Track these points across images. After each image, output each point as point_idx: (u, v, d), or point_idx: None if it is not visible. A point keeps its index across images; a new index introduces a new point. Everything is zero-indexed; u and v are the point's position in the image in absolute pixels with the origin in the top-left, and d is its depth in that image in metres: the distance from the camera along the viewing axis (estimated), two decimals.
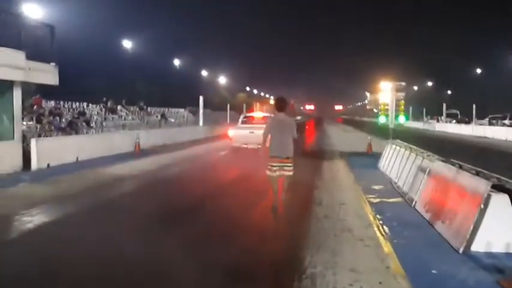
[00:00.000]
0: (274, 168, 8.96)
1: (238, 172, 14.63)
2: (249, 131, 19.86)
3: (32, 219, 8.33)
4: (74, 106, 32.04)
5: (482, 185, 6.51)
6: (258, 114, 25.89)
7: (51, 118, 24.92)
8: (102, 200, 10.29)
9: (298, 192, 10.93)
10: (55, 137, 17.86)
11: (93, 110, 33.19)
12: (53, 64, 16.05)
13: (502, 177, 7.12)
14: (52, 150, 15.90)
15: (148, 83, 53.91)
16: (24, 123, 19.96)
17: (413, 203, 9.41)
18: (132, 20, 57.05)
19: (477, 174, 7.48)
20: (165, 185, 12.49)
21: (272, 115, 13.37)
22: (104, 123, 29.60)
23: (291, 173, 9.03)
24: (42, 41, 16.23)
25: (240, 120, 23.29)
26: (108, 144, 20.00)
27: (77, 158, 17.12)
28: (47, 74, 15.71)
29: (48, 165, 15.36)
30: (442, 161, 9.35)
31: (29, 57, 14.80)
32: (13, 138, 14.57)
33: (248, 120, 22.86)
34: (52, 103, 28.96)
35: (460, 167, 8.28)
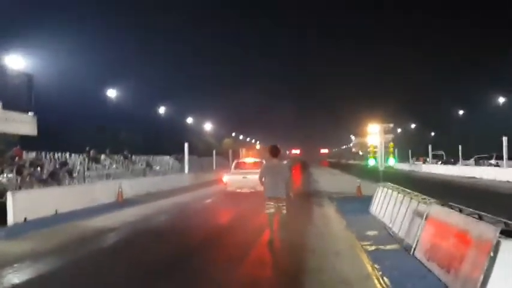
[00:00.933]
0: (271, 206, 10.44)
1: (222, 222, 14.10)
2: (242, 176, 21.09)
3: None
4: (56, 156, 31.26)
5: (490, 231, 6.00)
6: (249, 160, 26.58)
7: (31, 170, 24.15)
8: (76, 258, 9.60)
9: (289, 242, 10.40)
10: (32, 189, 17.07)
11: (76, 160, 32.42)
12: (31, 114, 15.54)
13: (509, 221, 6.62)
14: (29, 204, 15.16)
15: (133, 132, 53.42)
16: (5, 175, 19.28)
17: (412, 250, 8.84)
18: (116, 69, 56.84)
19: (480, 218, 6.98)
20: (144, 239, 11.85)
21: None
22: (88, 173, 28.79)
23: (284, 211, 10.50)
24: (20, 91, 15.76)
25: (232, 166, 24.52)
26: (89, 195, 19.29)
27: (56, 211, 16.37)
28: (25, 124, 15.22)
29: (25, 219, 14.59)
30: (439, 204, 8.85)
31: (6, 107, 14.29)
32: None
33: (240, 165, 24.06)
34: (34, 154, 28.20)
35: (460, 210, 7.78)
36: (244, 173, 21.55)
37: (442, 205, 8.64)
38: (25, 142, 24.61)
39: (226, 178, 22.20)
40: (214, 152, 46.37)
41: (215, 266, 8.46)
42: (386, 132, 19.08)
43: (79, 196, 18.50)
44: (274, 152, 11.25)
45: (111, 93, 49.83)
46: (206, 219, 14.96)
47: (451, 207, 8.18)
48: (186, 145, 35.32)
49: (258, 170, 19.41)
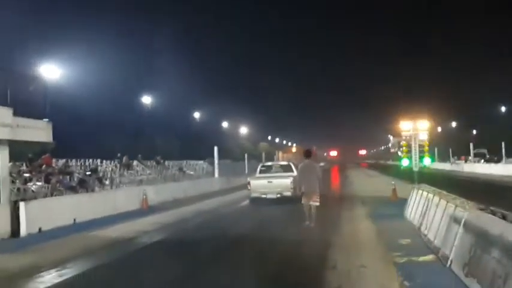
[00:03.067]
0: (306, 199, 13.24)
1: (244, 232, 13.03)
2: (267, 181, 19.77)
3: None
4: (86, 163, 31.05)
5: None
6: (276, 163, 25.24)
7: (60, 177, 23.84)
8: (73, 275, 8.84)
9: (309, 253, 9.39)
10: (49, 198, 16.52)
11: (107, 167, 32.14)
12: (45, 120, 14.94)
13: None
14: (45, 213, 14.61)
15: (167, 137, 53.19)
16: (34, 183, 18.91)
17: (449, 262, 7.67)
18: (151, 75, 56.72)
19: None
20: (153, 253, 11.06)
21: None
22: (119, 180, 28.38)
23: (317, 203, 13.18)
24: (35, 98, 15.22)
25: (258, 169, 22.69)
26: (112, 202, 18.71)
27: (74, 220, 15.79)
28: (39, 131, 14.58)
29: (39, 229, 14.02)
30: (478, 209, 7.64)
31: (19, 114, 13.74)
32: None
33: (266, 169, 22.36)
34: (63, 161, 28.00)
35: (504, 217, 6.59)
36: (269, 177, 20.27)
37: (482, 210, 7.44)
38: (56, 150, 24.40)
39: (250, 182, 20.27)
40: (246, 155, 45.50)
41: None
42: (420, 129, 17.75)
43: (99, 204, 17.90)
44: (308, 154, 14.43)
45: (146, 99, 49.90)
46: (226, 229, 13.94)
47: (493, 213, 6.99)
48: (215, 149, 34.64)
49: (286, 174, 20.17)
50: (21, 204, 13.75)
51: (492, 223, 6.41)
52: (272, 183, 19.41)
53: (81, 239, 12.63)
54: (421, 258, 8.55)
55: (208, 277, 8.21)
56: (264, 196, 19.32)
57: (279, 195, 18.89)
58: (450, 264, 7.57)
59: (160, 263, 9.53)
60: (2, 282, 8.27)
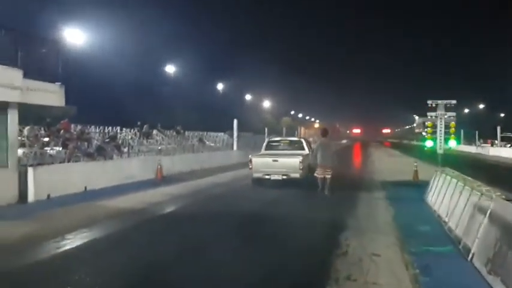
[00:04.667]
0: (320, 171, 15.05)
1: (255, 208, 12.52)
2: (271, 159, 16.98)
3: None
4: (106, 131, 30.86)
5: None
6: (285, 139, 21.61)
7: (78, 143, 23.64)
8: (79, 245, 8.53)
9: (319, 235, 8.88)
10: (59, 164, 16.17)
11: (127, 135, 31.92)
12: (58, 84, 14.53)
13: None
14: (55, 179, 14.29)
15: (189, 107, 52.84)
16: (53, 148, 18.86)
17: (470, 255, 7.06)
18: (175, 44, 56.08)
19: None
20: (159, 226, 10.60)
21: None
22: (138, 148, 28.14)
23: (329, 176, 14.95)
24: (48, 60, 14.80)
25: (264, 145, 19.87)
26: (125, 171, 18.36)
27: (85, 188, 15.51)
28: (50, 95, 14.18)
29: (48, 196, 13.75)
30: (506, 199, 6.96)
31: (30, 76, 13.36)
32: (7, 166, 13.03)
33: (274, 145, 19.55)
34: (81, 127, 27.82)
35: None
36: (275, 155, 17.42)
37: (510, 201, 6.76)
38: (76, 116, 24.21)
39: (252, 160, 17.32)
40: (266, 129, 44.89)
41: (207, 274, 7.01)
42: (447, 109, 16.84)
43: (113, 172, 17.62)
44: (324, 133, 16.42)
45: (170, 69, 49.49)
46: (237, 204, 13.44)
47: None
48: (235, 121, 34.14)
49: (296, 152, 17.84)
50: (30, 170, 13.46)
51: None
52: (278, 163, 16.70)
53: (87, 208, 12.29)
54: (440, 249, 7.93)
55: (208, 255, 7.75)
56: (267, 177, 16.73)
57: (285, 177, 16.39)
58: (472, 258, 6.98)
59: (161, 239, 9.16)
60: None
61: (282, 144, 19.65)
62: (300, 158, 16.46)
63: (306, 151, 18.09)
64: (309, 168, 16.50)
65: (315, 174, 15.30)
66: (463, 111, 70.45)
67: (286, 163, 16.59)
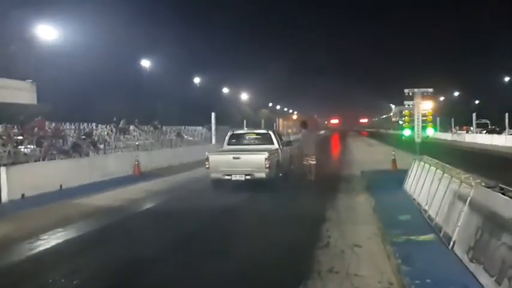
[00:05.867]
0: (307, 159, 16.48)
1: (234, 202, 12.49)
2: (232, 156, 14.53)
3: None
4: (81, 127, 30.35)
5: None
6: (250, 131, 18.10)
7: (53, 141, 23.19)
8: (53, 245, 8.35)
9: (300, 228, 8.78)
10: (34, 163, 15.84)
11: (103, 131, 31.46)
12: (28, 81, 14.19)
13: None
14: (29, 178, 13.99)
15: (167, 102, 52.38)
16: (26, 146, 18.37)
17: (451, 243, 7.03)
18: (150, 38, 55.34)
19: None
20: (137, 223, 10.51)
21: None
22: (114, 144, 27.74)
23: (314, 162, 16.46)
24: (18, 58, 14.45)
25: (226, 140, 17.12)
26: (101, 168, 18.05)
27: (61, 186, 15.20)
28: (21, 92, 13.93)
29: (22, 195, 13.43)
30: (487, 186, 6.93)
31: (1, 74, 13.01)
32: None
33: (238, 140, 16.87)
34: (56, 125, 27.30)
35: None
36: (237, 151, 15.17)
37: (490, 188, 6.73)
38: (51, 113, 23.72)
39: (209, 158, 14.77)
40: (244, 122, 44.77)
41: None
42: (424, 98, 16.86)
43: (89, 169, 17.30)
44: (304, 125, 17.92)
45: (145, 63, 48.95)
46: (216, 198, 13.34)
47: (503, 192, 6.29)
48: (213, 115, 33.90)
49: (262, 147, 15.58)
50: (2, 169, 13.15)
51: (504, 204, 5.71)
52: (240, 160, 14.26)
53: (63, 207, 12.05)
54: (421, 238, 7.89)
55: (187, 253, 7.62)
56: (227, 177, 14.36)
57: (248, 177, 14.09)
58: (453, 246, 6.95)
59: (138, 237, 9.01)
60: None
61: (247, 137, 16.95)
62: (266, 154, 14.09)
63: (275, 145, 15.98)
64: (278, 166, 15.11)
65: (303, 162, 16.54)
66: (438, 99, 71.17)
67: (250, 160, 14.30)
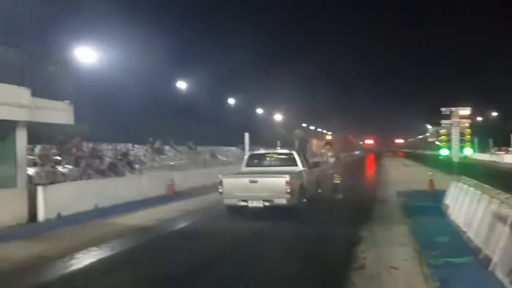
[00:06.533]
0: (335, 178, 16.82)
1: (266, 223, 12.14)
2: (249, 179, 12.87)
3: None
4: (118, 148, 30.91)
5: None
6: (272, 152, 16.03)
7: (90, 161, 23.68)
8: (86, 265, 8.39)
9: (335, 249, 8.61)
10: (69, 182, 16.12)
11: (139, 151, 31.96)
12: (66, 102, 14.48)
13: None
14: (65, 198, 14.18)
15: (200, 123, 52.95)
16: (64, 166, 19.06)
17: (492, 265, 6.76)
18: (186, 60, 56.23)
19: None
20: (171, 242, 10.58)
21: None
22: (150, 164, 28.13)
23: (339, 181, 16.82)
24: (56, 79, 14.77)
25: (244, 161, 15.76)
26: (136, 188, 18.24)
27: (96, 205, 15.37)
28: (59, 113, 14.13)
29: (58, 215, 13.62)
30: None
31: (39, 95, 13.32)
32: (16, 185, 12.94)
33: (258, 161, 15.28)
34: (95, 145, 27.90)
35: None
36: (255, 174, 13.48)
37: None
38: (88, 133, 24.26)
39: (221, 182, 13.29)
40: (278, 142, 44.69)
41: None
42: (462, 117, 16.48)
43: (124, 189, 17.47)
44: (330, 144, 19.15)
45: (181, 85, 49.74)
46: (248, 218, 12.97)
47: None
48: (246, 135, 33.86)
49: (284, 169, 13.88)
50: (39, 189, 13.37)
51: None
52: (257, 184, 12.60)
53: (97, 226, 12.15)
54: (460, 260, 7.64)
55: (218, 273, 7.57)
56: (243, 204, 12.74)
57: (267, 203, 12.42)
58: (494, 268, 6.67)
59: (170, 256, 9.00)
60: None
61: (267, 159, 15.28)
62: (287, 177, 12.34)
63: (299, 167, 14.41)
64: (302, 191, 13.33)
65: (333, 181, 17.01)
66: (476, 119, 69.70)
67: (269, 184, 12.66)
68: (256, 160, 15.30)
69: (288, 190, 12.17)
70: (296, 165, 14.49)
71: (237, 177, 13.88)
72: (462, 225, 9.84)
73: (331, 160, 17.80)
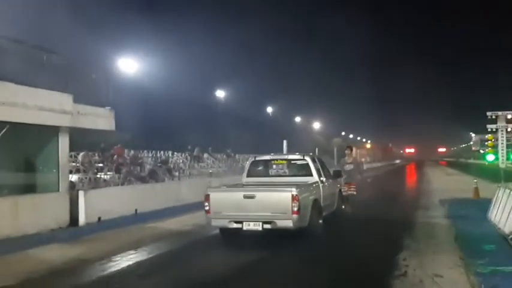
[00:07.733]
0: (345, 188, 14.18)
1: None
2: (243, 194, 9.95)
3: None
4: (158, 155, 31.33)
5: None
6: (280, 158, 12.52)
7: (131, 168, 24.04)
8: (124, 267, 8.45)
9: (377, 256, 8.33)
10: (110, 187, 16.39)
11: (178, 159, 32.33)
12: (107, 108, 14.71)
13: None
14: (105, 203, 14.33)
15: (239, 131, 53.20)
16: (106, 173, 19.63)
17: None
18: (225, 68, 56.81)
19: None
20: (207, 246, 10.51)
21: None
22: (189, 172, 28.40)
23: (354, 192, 14.56)
24: (97, 86, 15.06)
25: (246, 168, 12.73)
26: (175, 194, 18.35)
27: (136, 210, 15.49)
28: (100, 119, 14.36)
29: (99, 219, 13.79)
30: None
31: (81, 101, 13.57)
32: (58, 190, 13.17)
33: (262, 169, 12.39)
34: (136, 153, 28.38)
35: None
36: (252, 187, 10.87)
37: None
38: (130, 141, 24.74)
39: (208, 197, 10.25)
40: (317, 150, 44.35)
41: None
42: (509, 121, 15.86)
43: (163, 195, 17.59)
44: (350, 149, 15.91)
45: (220, 93, 50.21)
46: None
47: None
48: (284, 143, 33.70)
49: (294, 180, 11.35)
50: (81, 194, 13.55)
51: None
52: (254, 200, 9.71)
53: (137, 231, 12.27)
54: (509, 269, 7.26)
55: (258, 276, 7.48)
56: (235, 226, 9.87)
57: (267, 226, 9.57)
58: None
59: (207, 259, 9.03)
60: (37, 275, 7.84)
61: (274, 166, 12.20)
62: (294, 191, 9.43)
63: (314, 177, 11.52)
64: (316, 209, 10.51)
65: (343, 192, 13.82)
66: None
67: (269, 201, 9.78)
68: (259, 168, 12.46)
69: (295, 208, 9.34)
70: (310, 174, 11.62)
71: (229, 190, 11.25)
72: (509, 233, 9.42)
73: (348, 167, 14.62)
